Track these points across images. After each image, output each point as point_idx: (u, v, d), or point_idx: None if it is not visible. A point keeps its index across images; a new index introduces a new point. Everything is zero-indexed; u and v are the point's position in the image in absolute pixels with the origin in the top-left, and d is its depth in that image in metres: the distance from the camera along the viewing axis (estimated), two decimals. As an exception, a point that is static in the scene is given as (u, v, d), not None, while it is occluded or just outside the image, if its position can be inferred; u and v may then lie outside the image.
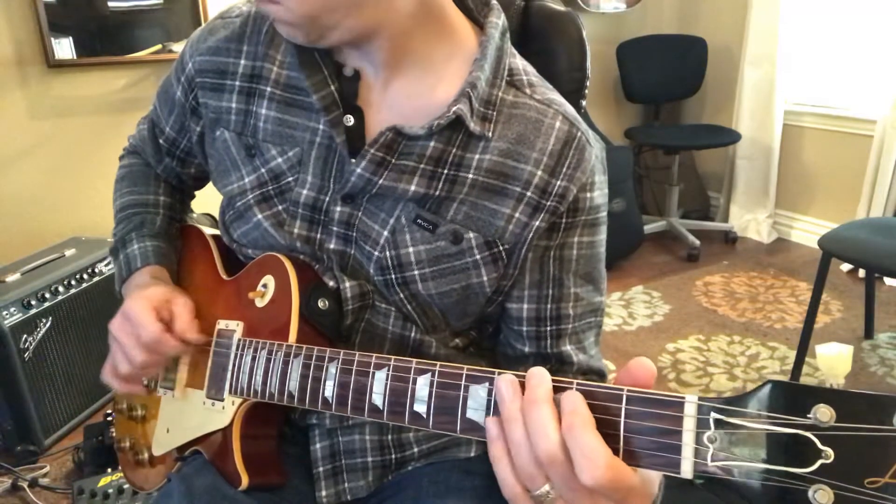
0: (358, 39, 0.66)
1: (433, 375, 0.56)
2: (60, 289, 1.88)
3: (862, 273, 2.75)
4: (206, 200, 0.99)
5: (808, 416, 0.39)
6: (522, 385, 0.50)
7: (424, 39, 0.69)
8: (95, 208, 2.39)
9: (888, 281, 2.84)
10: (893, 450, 0.37)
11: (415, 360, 0.58)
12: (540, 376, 0.49)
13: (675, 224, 3.34)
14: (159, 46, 2.41)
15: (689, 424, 0.44)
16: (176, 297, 0.78)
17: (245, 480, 0.71)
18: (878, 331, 2.44)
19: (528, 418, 0.47)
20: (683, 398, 0.44)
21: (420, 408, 0.56)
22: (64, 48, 2.25)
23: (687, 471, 0.43)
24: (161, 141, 0.88)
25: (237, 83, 0.76)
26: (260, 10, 0.66)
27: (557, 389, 0.49)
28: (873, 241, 1.98)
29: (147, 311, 0.75)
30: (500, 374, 0.52)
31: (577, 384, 0.49)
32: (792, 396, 0.41)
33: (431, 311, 0.74)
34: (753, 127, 3.31)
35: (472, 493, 0.78)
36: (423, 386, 0.56)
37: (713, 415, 0.43)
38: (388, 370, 0.59)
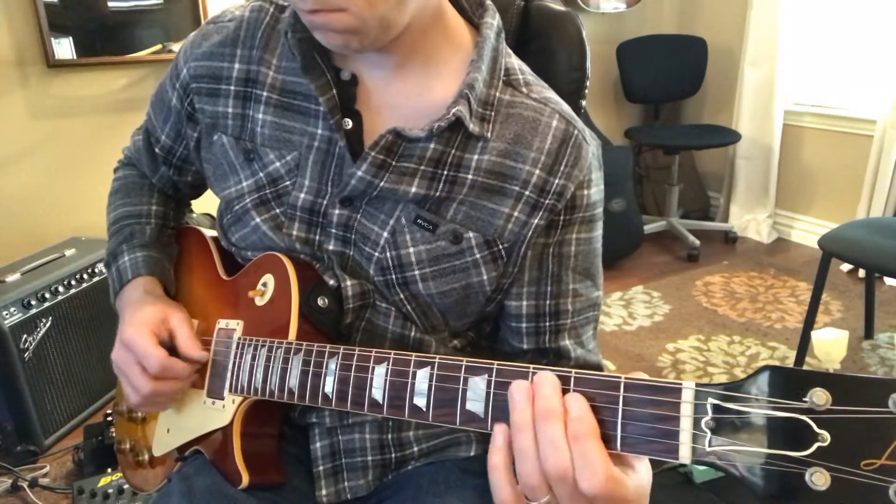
0: (394, 39, 0.65)
1: (433, 368, 0.56)
2: (60, 289, 1.88)
3: (862, 273, 2.75)
4: (206, 201, 0.99)
5: (805, 399, 0.40)
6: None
7: (432, 40, 0.69)
8: (95, 208, 2.39)
9: (888, 281, 2.84)
10: (889, 432, 0.38)
11: (414, 354, 0.58)
12: (553, 385, 0.49)
13: (675, 224, 3.34)
14: (159, 46, 2.41)
15: (686, 410, 0.44)
16: (171, 314, 0.78)
17: (246, 479, 0.71)
18: (878, 331, 2.44)
19: (541, 431, 0.48)
20: (681, 384, 0.45)
21: (420, 401, 0.57)
22: (64, 48, 2.25)
23: (685, 456, 0.44)
24: (157, 150, 0.87)
25: (232, 87, 0.76)
26: (311, 23, 0.63)
27: (598, 394, 0.49)
28: (873, 241, 1.98)
29: (146, 339, 0.73)
30: (533, 369, 0.52)
31: (576, 373, 0.49)
32: (788, 381, 0.41)
33: (431, 311, 0.74)
34: (753, 127, 3.31)
35: (472, 492, 0.78)
36: (422, 379, 0.57)
37: (710, 400, 0.43)
38: (388, 364, 0.59)
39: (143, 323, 0.75)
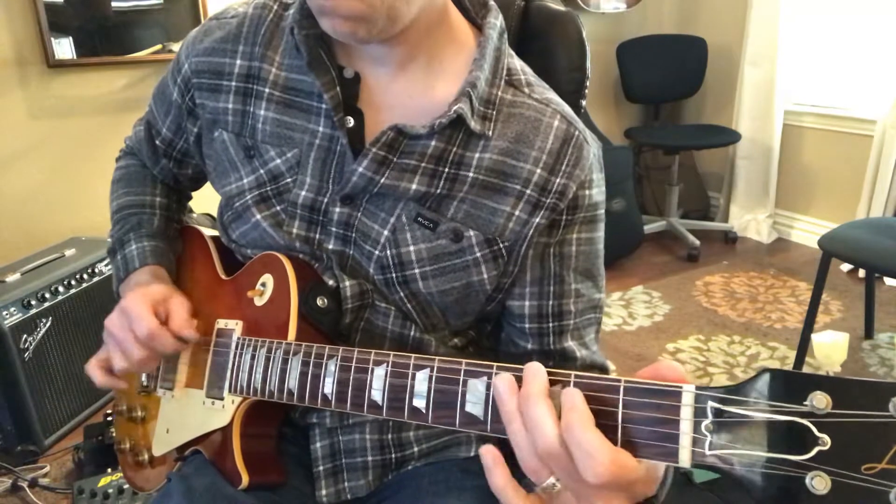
0: (398, 33, 0.65)
1: (432, 370, 0.56)
2: (60, 289, 1.88)
3: (862, 273, 2.75)
4: (206, 200, 0.99)
5: (805, 403, 0.40)
6: (520, 381, 0.50)
7: (436, 39, 0.70)
8: (95, 208, 2.39)
9: (888, 281, 2.84)
10: (890, 436, 0.37)
11: (413, 355, 0.58)
12: (534, 371, 0.49)
13: (675, 224, 3.34)
14: (159, 46, 2.41)
15: (686, 414, 0.44)
16: (173, 296, 0.79)
17: (245, 479, 0.71)
18: (878, 331, 2.44)
19: (525, 414, 0.48)
20: (681, 388, 0.44)
21: (419, 403, 0.57)
22: (64, 48, 2.25)
23: (685, 460, 0.44)
24: (157, 142, 0.88)
25: (233, 83, 0.76)
26: (321, 7, 0.62)
27: (555, 382, 0.49)
28: (873, 241, 1.98)
29: (143, 307, 0.75)
30: (497, 372, 0.52)
31: (575, 376, 0.49)
32: (789, 384, 0.41)
33: (431, 309, 0.74)
34: (753, 127, 3.31)
35: (472, 492, 0.78)
36: (421, 381, 0.57)
37: (710, 404, 0.43)
38: (387, 366, 0.59)
39: (144, 294, 0.76)
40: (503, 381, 0.50)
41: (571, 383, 0.49)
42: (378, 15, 0.61)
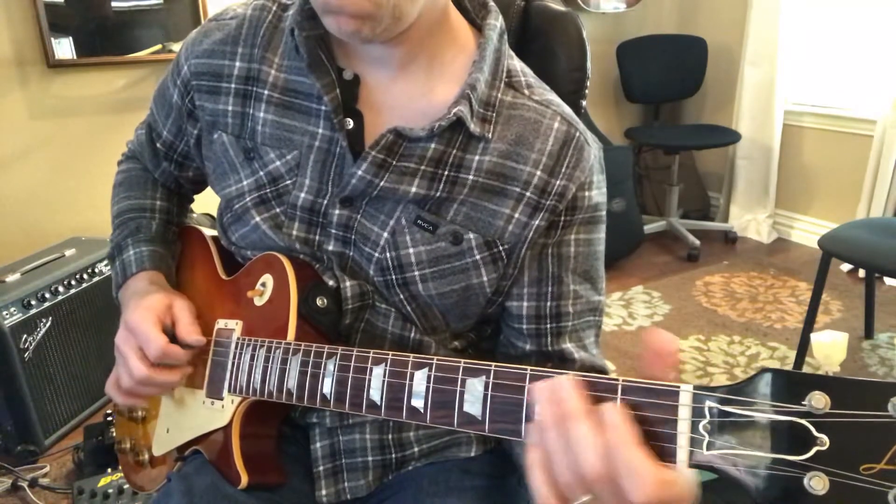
0: (400, 33, 0.65)
1: (430, 370, 0.56)
2: (60, 289, 1.88)
3: (862, 273, 2.74)
4: (206, 201, 0.99)
5: (804, 403, 0.40)
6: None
7: (437, 40, 0.70)
8: (95, 208, 2.39)
9: (888, 281, 2.84)
10: (888, 436, 0.37)
11: (412, 355, 0.58)
12: (566, 388, 0.48)
13: (675, 224, 3.34)
14: (159, 46, 2.41)
15: (684, 413, 0.44)
16: (175, 301, 0.78)
17: (245, 479, 0.71)
18: (878, 331, 2.44)
19: (569, 433, 0.46)
20: (678, 387, 0.44)
21: (417, 402, 0.57)
22: (64, 48, 2.25)
23: (683, 460, 0.44)
24: (158, 145, 0.88)
25: (232, 85, 0.76)
26: (326, 5, 0.61)
27: (598, 398, 0.48)
28: (873, 241, 1.98)
29: (150, 324, 0.74)
30: (531, 371, 0.51)
31: (573, 375, 0.49)
32: (787, 384, 0.41)
33: (431, 311, 0.74)
34: (753, 127, 3.31)
35: (472, 492, 0.78)
36: (420, 381, 0.57)
37: (708, 403, 0.43)
38: (386, 366, 0.59)
39: (149, 308, 0.76)
40: (540, 390, 0.49)
41: (615, 402, 0.48)
42: (384, 13, 0.61)
